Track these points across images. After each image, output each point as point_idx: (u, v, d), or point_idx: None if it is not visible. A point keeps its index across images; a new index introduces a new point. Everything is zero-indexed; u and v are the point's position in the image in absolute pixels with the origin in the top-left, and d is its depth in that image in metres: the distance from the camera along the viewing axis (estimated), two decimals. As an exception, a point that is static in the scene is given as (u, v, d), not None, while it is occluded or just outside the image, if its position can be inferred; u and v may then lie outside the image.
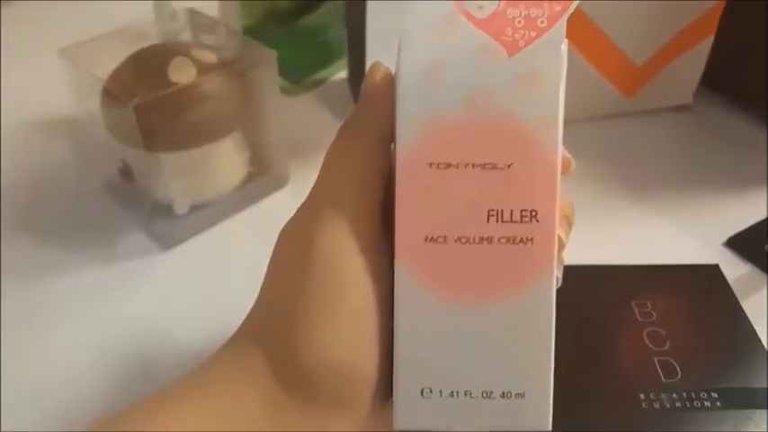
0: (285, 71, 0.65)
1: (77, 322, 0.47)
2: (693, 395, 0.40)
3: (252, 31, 0.68)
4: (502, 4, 0.25)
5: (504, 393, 0.26)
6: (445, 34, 0.25)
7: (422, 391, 0.26)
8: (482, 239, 0.25)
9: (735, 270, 0.50)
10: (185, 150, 0.50)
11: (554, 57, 0.25)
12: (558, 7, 0.24)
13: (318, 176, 0.28)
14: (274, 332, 0.26)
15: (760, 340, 0.43)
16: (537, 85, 0.25)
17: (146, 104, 0.46)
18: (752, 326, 0.44)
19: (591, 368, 0.42)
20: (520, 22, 0.24)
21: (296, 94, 0.70)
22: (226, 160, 0.53)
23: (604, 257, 0.49)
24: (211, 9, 0.65)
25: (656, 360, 0.42)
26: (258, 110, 0.55)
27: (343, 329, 0.26)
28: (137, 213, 0.55)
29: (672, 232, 0.54)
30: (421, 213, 0.25)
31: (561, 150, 0.25)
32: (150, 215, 0.54)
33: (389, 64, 0.26)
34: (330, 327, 0.25)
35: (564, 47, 0.25)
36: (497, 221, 0.25)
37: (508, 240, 0.25)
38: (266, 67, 0.53)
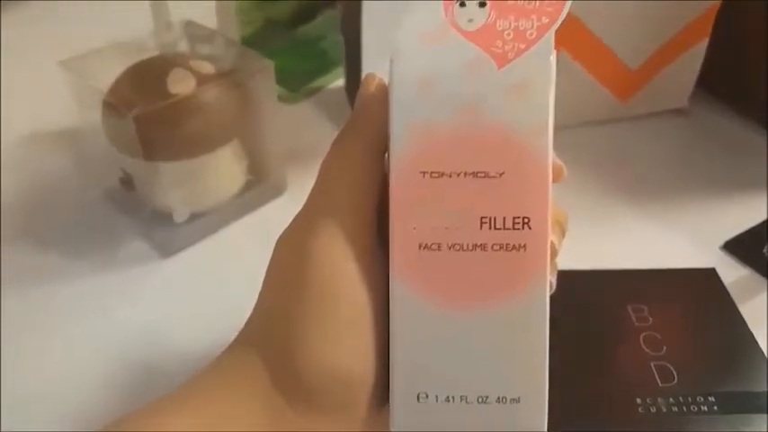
0: (283, 79, 0.65)
1: (78, 329, 0.48)
2: (690, 399, 0.40)
3: (250, 41, 0.69)
4: (492, 17, 0.25)
5: (499, 398, 0.27)
6: (436, 47, 0.25)
7: (418, 396, 0.27)
8: (476, 246, 0.26)
9: (732, 274, 0.50)
10: (184, 160, 0.51)
11: (543, 67, 0.25)
12: (546, 19, 0.25)
13: (314, 185, 0.28)
14: (272, 339, 0.26)
15: (757, 344, 0.43)
16: (527, 95, 0.25)
17: (145, 115, 0.46)
18: (749, 329, 0.44)
19: (587, 373, 0.42)
20: (509, 34, 0.25)
21: (294, 102, 0.70)
22: (224, 169, 0.54)
23: (601, 262, 0.49)
24: (209, 20, 0.65)
25: (652, 365, 0.42)
26: (256, 118, 0.55)
27: (340, 336, 0.26)
28: (137, 221, 0.55)
29: (668, 236, 0.54)
30: (415, 221, 0.26)
31: (552, 158, 0.26)
32: (150, 223, 0.54)
33: (386, 71, 0.26)
34: (327, 333, 0.26)
35: (553, 58, 0.25)
36: (490, 229, 0.26)
37: (501, 247, 0.26)
38: (264, 77, 0.53)
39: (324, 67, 0.72)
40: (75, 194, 0.59)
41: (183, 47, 0.57)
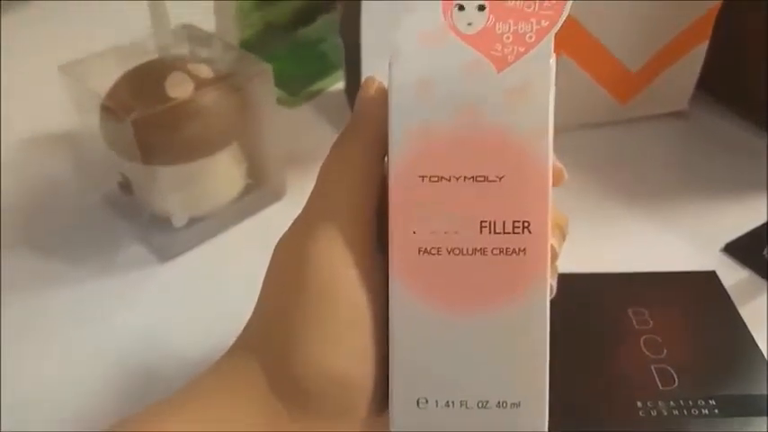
0: (283, 83, 0.65)
1: (77, 333, 0.47)
2: (691, 402, 0.40)
3: (249, 44, 0.69)
4: (491, 20, 0.25)
5: (499, 403, 0.27)
6: (435, 50, 0.25)
7: (417, 402, 0.27)
8: (475, 251, 0.26)
9: (733, 276, 0.50)
10: (183, 164, 0.50)
11: (543, 71, 0.25)
12: (546, 22, 0.25)
13: (314, 189, 0.28)
14: (270, 343, 0.26)
15: (757, 346, 0.43)
16: (527, 99, 0.25)
17: (143, 119, 0.46)
18: (749, 332, 0.44)
19: (588, 376, 0.42)
20: (508, 37, 0.25)
21: (294, 106, 0.70)
22: (223, 173, 0.54)
23: (601, 265, 0.49)
24: (208, 23, 0.65)
25: (653, 368, 0.42)
26: (255, 122, 0.55)
27: (339, 341, 0.26)
28: (136, 226, 0.55)
29: (669, 239, 0.54)
30: (414, 226, 0.26)
31: (552, 161, 0.25)
32: (149, 227, 0.54)
33: (385, 74, 0.26)
34: (325, 338, 0.26)
35: (552, 61, 0.25)
36: (490, 233, 0.26)
37: (501, 251, 0.26)
38: (263, 80, 0.53)
39: (324, 71, 0.72)
40: (73, 198, 0.59)
41: (181, 50, 0.57)
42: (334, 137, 0.29)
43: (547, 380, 0.26)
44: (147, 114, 0.47)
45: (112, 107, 0.48)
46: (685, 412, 0.39)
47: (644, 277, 0.49)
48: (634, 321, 0.45)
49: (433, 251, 0.26)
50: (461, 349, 0.26)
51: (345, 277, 0.26)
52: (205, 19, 0.64)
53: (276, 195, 0.59)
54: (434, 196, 0.26)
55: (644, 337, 0.44)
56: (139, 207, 0.54)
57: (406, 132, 0.26)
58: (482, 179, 0.25)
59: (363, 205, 0.27)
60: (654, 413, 0.39)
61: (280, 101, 0.68)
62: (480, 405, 0.27)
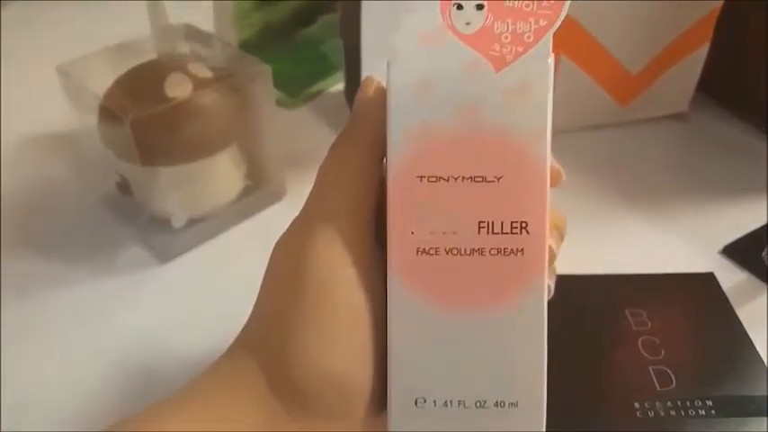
0: (282, 84, 0.65)
1: (77, 334, 0.47)
2: (688, 403, 0.40)
3: (248, 45, 0.69)
4: (489, 19, 0.25)
5: (497, 403, 0.27)
6: (434, 50, 0.25)
7: (416, 402, 0.27)
8: (473, 251, 0.26)
9: (731, 278, 0.50)
10: (182, 164, 0.50)
11: (541, 71, 0.25)
12: (544, 22, 0.25)
13: (312, 190, 0.28)
14: (269, 344, 0.26)
15: (755, 348, 0.43)
16: (525, 99, 0.25)
17: (142, 120, 0.46)
18: (747, 334, 0.44)
19: (586, 377, 0.42)
20: (507, 37, 0.25)
21: (293, 107, 0.70)
22: (222, 174, 0.54)
23: (600, 266, 0.49)
24: (207, 23, 0.65)
25: (650, 369, 0.42)
26: (254, 123, 0.55)
27: (337, 341, 0.26)
28: (135, 227, 0.55)
29: (668, 241, 0.54)
30: (413, 226, 0.26)
31: (550, 162, 0.26)
32: (148, 228, 0.54)
33: (385, 74, 0.26)
34: (324, 338, 0.26)
35: (551, 61, 0.25)
36: (488, 233, 0.26)
37: (499, 252, 0.26)
38: (262, 81, 0.53)
39: (323, 72, 0.72)
40: (72, 199, 0.59)
41: (180, 50, 0.57)
42: (334, 138, 0.29)
43: (545, 380, 0.26)
44: (146, 115, 0.47)
45: (111, 107, 0.48)
46: (683, 413, 0.39)
47: (642, 278, 0.49)
48: (632, 322, 0.45)
49: (432, 251, 0.26)
50: (459, 349, 0.26)
51: (344, 278, 0.26)
52: (204, 19, 0.64)
53: (276, 196, 0.59)
54: (433, 196, 0.26)
55: (642, 338, 0.44)
56: (138, 208, 0.54)
57: (405, 133, 0.26)
58: (480, 179, 0.25)
59: (362, 206, 0.27)
60: (651, 414, 0.39)
61: (279, 102, 0.68)
62: (478, 405, 0.27)
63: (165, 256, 0.53)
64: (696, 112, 0.67)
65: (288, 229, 0.28)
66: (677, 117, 0.67)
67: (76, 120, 0.55)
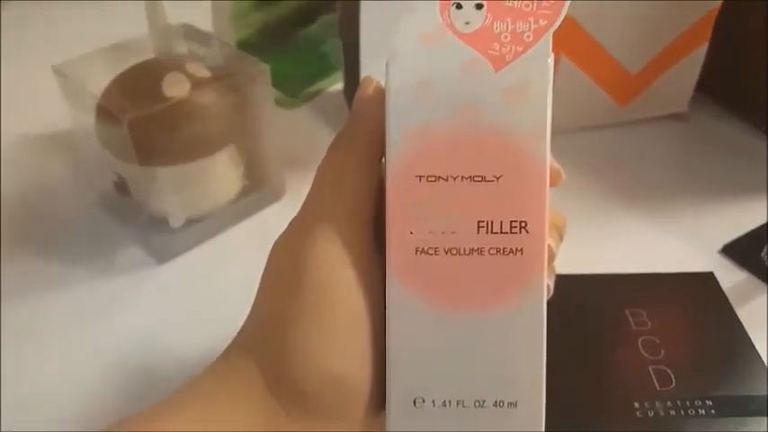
0: (281, 83, 0.65)
1: (76, 335, 0.47)
2: (688, 403, 0.40)
3: (247, 45, 0.69)
4: (488, 19, 0.25)
5: (496, 402, 0.27)
6: (433, 50, 0.25)
7: (414, 401, 0.27)
8: (472, 251, 0.26)
9: (730, 277, 0.50)
10: (180, 165, 0.50)
11: (541, 70, 0.25)
12: (544, 22, 0.25)
13: (311, 190, 0.28)
14: (267, 344, 0.26)
15: (755, 348, 0.43)
16: (524, 98, 0.25)
17: (139, 119, 0.46)
18: (746, 333, 0.44)
19: (585, 377, 0.42)
20: (506, 36, 0.25)
21: (292, 107, 0.70)
22: (221, 174, 0.53)
23: (600, 266, 0.49)
24: (205, 23, 0.65)
25: (650, 368, 0.42)
26: (253, 123, 0.55)
27: (336, 341, 0.26)
28: (133, 227, 0.55)
29: (667, 240, 0.54)
30: (412, 226, 0.26)
31: (550, 162, 0.25)
32: (146, 229, 0.54)
33: (384, 74, 0.26)
34: (322, 339, 0.26)
35: (550, 60, 0.25)
36: (487, 233, 0.26)
37: (498, 251, 0.26)
38: (260, 81, 0.53)
39: (322, 71, 0.72)
40: (70, 199, 0.59)
41: (178, 50, 0.56)
42: (333, 138, 0.29)
43: (544, 380, 0.26)
44: (144, 114, 0.47)
45: (108, 107, 0.48)
46: (682, 413, 0.39)
47: (642, 278, 0.49)
48: (632, 322, 0.45)
49: (431, 251, 0.26)
50: (458, 349, 0.26)
51: (342, 277, 0.26)
52: (202, 19, 0.63)
53: (275, 196, 0.58)
54: (432, 196, 0.26)
55: (642, 337, 0.44)
56: (136, 208, 0.54)
57: (404, 132, 0.26)
58: (479, 179, 0.25)
59: (360, 206, 0.27)
60: (651, 414, 0.39)
61: (278, 102, 0.68)
62: (477, 405, 0.27)
63: (163, 256, 0.53)
64: (696, 112, 0.67)
65: (286, 230, 0.28)
66: (677, 117, 0.67)
67: (74, 120, 0.55)
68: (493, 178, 0.25)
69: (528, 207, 0.25)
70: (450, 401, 0.27)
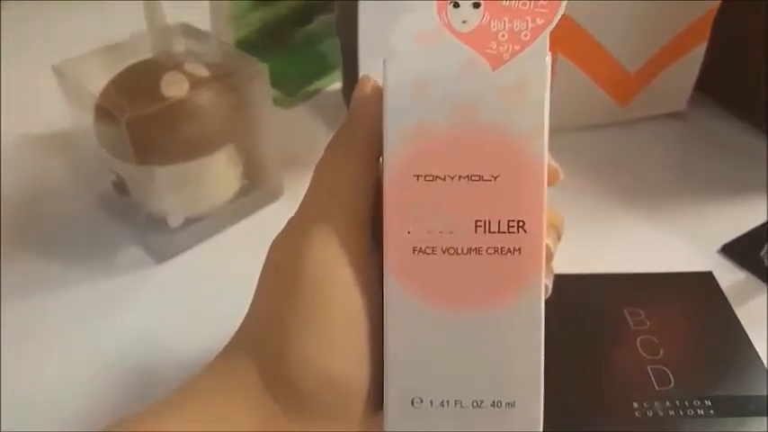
0: (279, 83, 0.65)
1: (75, 335, 0.47)
2: (687, 403, 0.40)
3: (245, 44, 0.69)
4: (486, 18, 0.25)
5: (494, 402, 0.27)
6: (431, 48, 0.25)
7: (412, 401, 0.27)
8: (470, 250, 0.26)
9: (729, 277, 0.50)
10: (179, 164, 0.50)
11: (538, 69, 0.25)
12: (541, 20, 0.25)
13: (308, 189, 0.28)
14: (265, 344, 0.26)
15: (753, 347, 0.43)
16: (522, 98, 0.25)
17: (138, 119, 0.46)
18: (746, 333, 0.44)
19: (584, 377, 0.42)
20: (504, 35, 0.25)
21: (290, 106, 0.70)
22: (219, 173, 0.53)
23: (599, 265, 0.49)
24: (204, 23, 0.65)
25: (649, 368, 0.42)
26: (251, 123, 0.55)
27: (333, 341, 0.26)
28: (132, 227, 0.55)
29: (666, 240, 0.54)
30: (409, 225, 0.26)
31: (547, 161, 0.25)
32: (145, 228, 0.54)
33: (381, 73, 0.26)
34: (320, 338, 0.26)
35: (548, 59, 0.25)
36: (485, 232, 0.26)
37: (496, 251, 0.26)
38: (259, 80, 0.53)
39: (321, 71, 0.72)
40: (69, 199, 0.59)
41: (177, 50, 0.56)
42: (331, 137, 0.29)
43: (542, 380, 0.26)
44: (142, 114, 0.47)
45: (107, 107, 0.48)
46: (681, 413, 0.39)
47: (640, 278, 0.49)
48: (630, 322, 0.45)
49: (428, 250, 0.26)
50: (456, 349, 0.26)
51: (340, 277, 0.26)
52: (201, 19, 0.63)
53: (273, 195, 0.58)
54: (429, 196, 0.26)
55: (640, 337, 0.44)
56: (135, 208, 0.54)
57: (402, 132, 0.26)
58: (477, 178, 0.25)
59: (358, 205, 0.27)
60: (650, 414, 0.39)
61: (276, 101, 0.68)
62: (475, 405, 0.27)
63: (162, 255, 0.53)
64: (695, 111, 0.67)
65: (284, 229, 0.28)
66: (676, 116, 0.67)
67: (73, 119, 0.55)
68: (490, 177, 0.25)
69: (526, 206, 0.25)
70: (447, 401, 0.27)
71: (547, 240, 0.26)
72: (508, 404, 0.27)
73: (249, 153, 0.56)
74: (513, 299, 0.26)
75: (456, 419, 0.27)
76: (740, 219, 0.55)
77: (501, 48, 0.25)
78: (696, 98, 0.66)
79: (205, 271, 0.52)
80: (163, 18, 0.55)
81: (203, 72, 0.51)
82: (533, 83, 0.25)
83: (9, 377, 0.44)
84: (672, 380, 0.41)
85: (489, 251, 0.26)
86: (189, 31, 0.57)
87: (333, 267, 0.26)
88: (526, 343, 0.26)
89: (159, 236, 0.53)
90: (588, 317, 0.45)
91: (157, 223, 0.53)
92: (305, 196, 0.28)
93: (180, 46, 0.56)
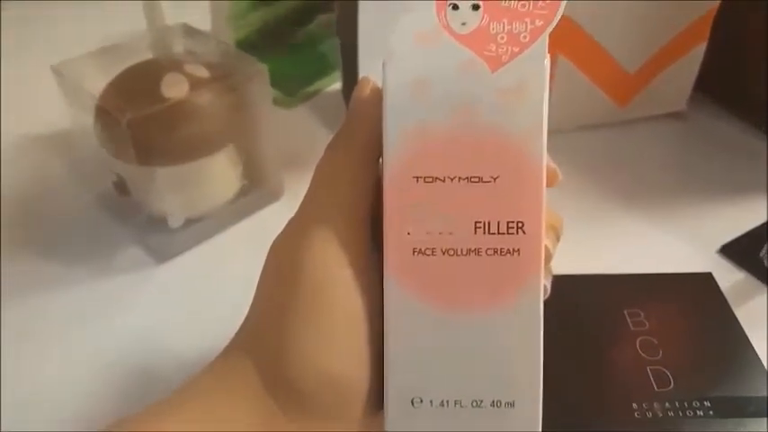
0: (279, 83, 0.65)
1: (75, 335, 0.47)
2: (686, 404, 0.40)
3: (245, 45, 0.69)
4: (485, 19, 0.25)
5: (494, 402, 0.27)
6: (430, 50, 0.25)
7: (412, 401, 0.27)
8: (470, 251, 0.26)
9: (729, 278, 0.50)
10: (179, 165, 0.50)
11: (537, 71, 0.25)
12: (540, 22, 0.25)
13: (308, 190, 0.28)
14: (265, 345, 0.26)
15: (753, 348, 0.43)
16: (521, 99, 0.25)
17: (138, 120, 0.46)
18: (745, 334, 0.44)
19: (583, 377, 0.42)
20: (503, 37, 0.25)
21: (290, 106, 0.70)
22: (220, 174, 0.53)
23: (599, 266, 0.49)
24: (204, 23, 0.65)
25: (648, 369, 0.42)
26: (251, 123, 0.55)
27: (333, 342, 0.26)
28: (132, 227, 0.55)
29: (666, 240, 0.54)
30: (409, 226, 0.26)
31: (546, 162, 0.25)
32: (145, 229, 0.54)
33: (381, 75, 0.26)
34: (320, 339, 0.26)
35: (547, 61, 0.25)
36: (484, 233, 0.26)
37: (495, 252, 0.26)
38: (259, 81, 0.53)
39: (320, 71, 0.72)
40: (69, 199, 0.59)
41: (177, 50, 0.56)
42: (331, 137, 0.29)
43: (541, 380, 0.26)
44: (143, 115, 0.47)
45: (107, 107, 0.48)
46: (680, 413, 0.39)
47: (640, 278, 0.49)
48: (630, 323, 0.45)
49: (428, 252, 0.26)
50: (456, 349, 0.26)
51: (340, 278, 0.26)
52: (201, 19, 0.63)
53: (273, 196, 0.58)
54: (429, 197, 0.26)
55: (640, 338, 0.44)
56: (135, 208, 0.54)
57: (401, 133, 0.26)
58: (476, 180, 0.25)
59: (358, 206, 0.27)
60: (649, 414, 0.39)
61: (276, 101, 0.68)
62: (474, 405, 0.27)
63: (162, 256, 0.53)
64: (695, 111, 0.67)
65: (284, 230, 0.28)
66: (676, 116, 0.67)
67: (73, 120, 0.55)
68: (490, 179, 0.25)
69: (525, 207, 0.25)
70: (447, 401, 0.27)
71: (546, 241, 0.26)
72: (508, 404, 0.27)
73: (249, 153, 0.56)
74: (513, 299, 0.26)
75: (456, 419, 0.27)
76: (740, 219, 0.55)
77: (500, 50, 0.25)
78: (696, 98, 0.66)
79: (205, 271, 0.52)
80: (163, 18, 0.55)
81: (203, 73, 0.51)
82: (532, 84, 0.25)
83: (9, 377, 0.45)
84: (671, 380, 0.41)
85: (488, 252, 0.26)
86: (189, 31, 0.57)
87: (333, 268, 0.26)
88: (525, 343, 0.26)
89: (159, 236, 0.53)
90: (587, 317, 0.45)
91: (158, 223, 0.53)
92: (305, 197, 0.28)
93: (180, 46, 0.56)
